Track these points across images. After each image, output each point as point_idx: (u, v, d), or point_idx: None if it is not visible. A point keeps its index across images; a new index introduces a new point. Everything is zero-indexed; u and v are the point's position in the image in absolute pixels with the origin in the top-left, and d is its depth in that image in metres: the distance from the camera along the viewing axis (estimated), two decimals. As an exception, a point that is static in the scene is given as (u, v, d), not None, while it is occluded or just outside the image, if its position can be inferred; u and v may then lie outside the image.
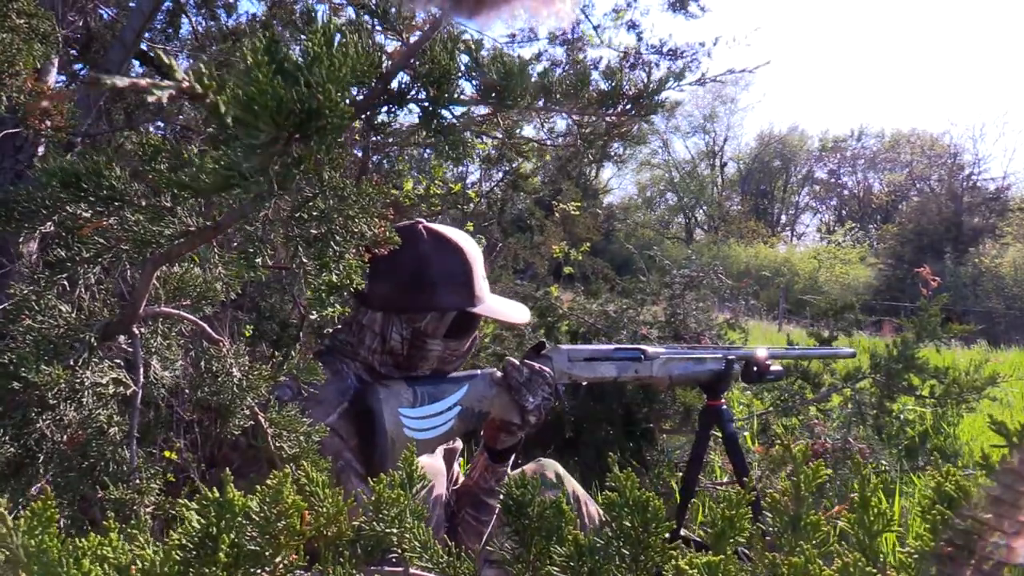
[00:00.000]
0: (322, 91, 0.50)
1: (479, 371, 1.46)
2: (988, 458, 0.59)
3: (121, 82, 0.42)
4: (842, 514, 0.62)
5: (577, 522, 1.54)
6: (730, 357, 1.75)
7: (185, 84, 0.46)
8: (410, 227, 1.34)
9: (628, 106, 0.90)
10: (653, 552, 0.59)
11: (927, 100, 75.79)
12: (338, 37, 0.51)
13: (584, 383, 1.59)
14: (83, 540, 0.49)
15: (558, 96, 0.85)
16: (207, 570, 0.49)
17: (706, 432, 1.82)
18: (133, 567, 0.49)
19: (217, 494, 0.53)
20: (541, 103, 0.88)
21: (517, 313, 1.45)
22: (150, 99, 0.45)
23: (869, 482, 0.61)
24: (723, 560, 0.56)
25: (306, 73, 0.50)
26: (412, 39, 0.94)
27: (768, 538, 0.62)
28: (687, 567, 0.55)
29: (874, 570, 0.56)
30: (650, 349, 1.66)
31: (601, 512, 1.57)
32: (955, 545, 0.54)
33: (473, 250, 1.38)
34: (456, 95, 0.76)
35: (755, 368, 1.78)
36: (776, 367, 1.82)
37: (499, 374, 1.46)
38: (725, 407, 1.78)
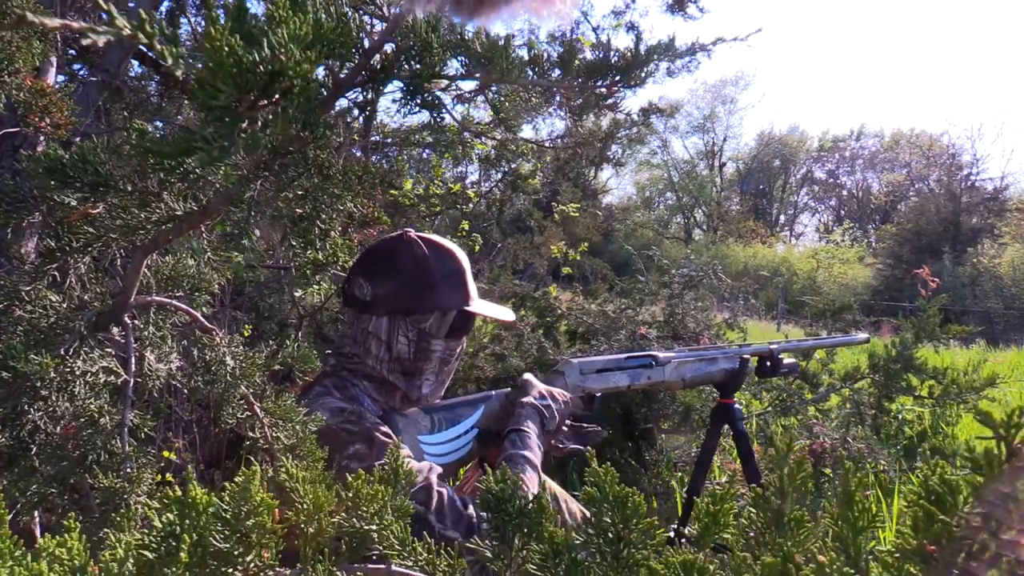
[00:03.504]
0: (284, 52, 0.50)
1: (493, 392, 1.49)
2: (973, 451, 0.58)
3: (51, 22, 0.42)
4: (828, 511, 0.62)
5: (558, 518, 1.55)
6: (744, 355, 1.74)
7: (126, 31, 0.45)
8: (401, 236, 1.39)
9: (617, 77, 0.89)
10: (633, 548, 0.58)
11: (926, 100, 75.84)
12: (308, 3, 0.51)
13: (598, 394, 1.59)
14: (42, 539, 0.49)
15: (546, 68, 0.85)
16: (169, 570, 0.49)
17: (717, 430, 1.81)
18: (94, 566, 0.49)
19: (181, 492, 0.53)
20: (531, 75, 0.87)
21: (504, 313, 1.52)
22: (85, 42, 0.43)
23: (855, 475, 0.60)
24: (699, 559, 0.55)
25: (269, 36, 0.49)
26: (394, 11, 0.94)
27: (752, 534, 0.61)
28: (661, 567, 0.55)
29: (852, 571, 0.55)
30: (661, 354, 1.65)
31: (584, 510, 1.57)
32: (942, 544, 0.53)
33: (463, 255, 1.44)
34: (439, 69, 0.75)
35: (768, 363, 1.78)
36: (789, 360, 1.82)
37: (512, 392, 1.49)
38: (736, 405, 1.78)
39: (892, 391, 3.26)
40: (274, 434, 0.82)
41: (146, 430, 0.84)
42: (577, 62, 0.87)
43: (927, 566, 0.53)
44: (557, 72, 0.92)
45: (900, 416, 3.55)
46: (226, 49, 0.46)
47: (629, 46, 0.92)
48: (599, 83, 0.92)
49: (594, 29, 4.34)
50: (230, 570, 0.53)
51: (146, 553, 0.50)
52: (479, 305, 1.44)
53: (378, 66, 0.75)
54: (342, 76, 0.73)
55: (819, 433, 2.89)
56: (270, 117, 0.53)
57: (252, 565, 0.54)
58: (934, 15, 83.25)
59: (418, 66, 0.75)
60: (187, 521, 0.51)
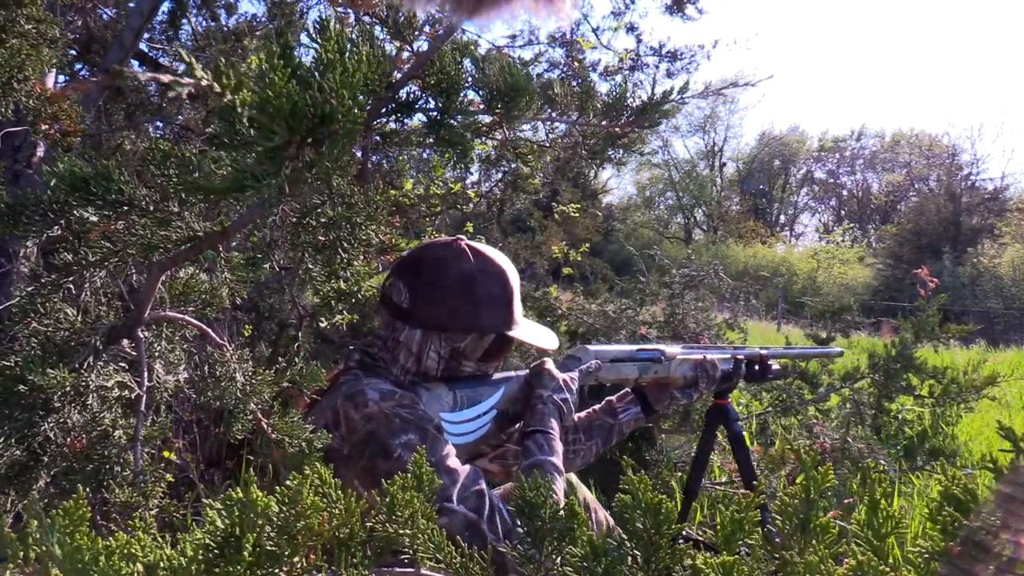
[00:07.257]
0: (335, 96, 0.51)
1: (514, 373, 1.46)
2: (996, 462, 0.60)
3: (143, 75, 0.43)
4: (850, 516, 0.64)
5: (591, 523, 1.54)
6: (738, 357, 1.77)
7: (204, 82, 0.46)
8: (451, 244, 1.31)
9: (632, 117, 0.91)
10: (664, 553, 0.60)
11: (926, 100, 75.89)
12: (349, 46, 0.52)
13: (608, 384, 1.60)
14: (111, 539, 0.50)
15: (563, 107, 0.86)
16: (231, 569, 0.50)
17: (712, 431, 1.83)
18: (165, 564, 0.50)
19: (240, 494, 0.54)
20: (547, 113, 0.88)
21: (548, 339, 1.44)
22: (170, 94, 0.45)
23: (877, 484, 0.62)
24: (737, 560, 0.57)
25: (319, 79, 0.50)
26: (420, 47, 0.94)
27: (777, 540, 0.63)
28: (703, 566, 0.56)
29: (887, 569, 0.57)
30: (668, 350, 1.67)
31: (610, 519, 1.56)
32: (967, 546, 0.55)
33: (512, 272, 1.36)
34: (464, 105, 0.76)
35: (757, 367, 1.80)
36: (776, 366, 1.85)
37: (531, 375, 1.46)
38: (731, 406, 1.80)
39: (892, 391, 3.27)
40: (279, 449, 0.82)
41: (152, 440, 0.85)
42: (592, 107, 0.89)
43: (954, 567, 0.55)
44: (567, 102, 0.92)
45: (900, 416, 3.56)
46: (285, 93, 0.48)
47: (645, 87, 0.93)
48: (615, 123, 0.93)
49: (594, 30, 4.35)
50: (278, 571, 0.54)
51: (205, 553, 0.52)
52: (521, 329, 1.37)
53: (404, 100, 0.76)
54: (368, 107, 0.74)
55: (819, 433, 2.90)
56: (313, 156, 0.54)
57: (299, 566, 0.56)
58: (934, 15, 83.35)
59: (443, 101, 0.76)
60: (246, 522, 0.53)
